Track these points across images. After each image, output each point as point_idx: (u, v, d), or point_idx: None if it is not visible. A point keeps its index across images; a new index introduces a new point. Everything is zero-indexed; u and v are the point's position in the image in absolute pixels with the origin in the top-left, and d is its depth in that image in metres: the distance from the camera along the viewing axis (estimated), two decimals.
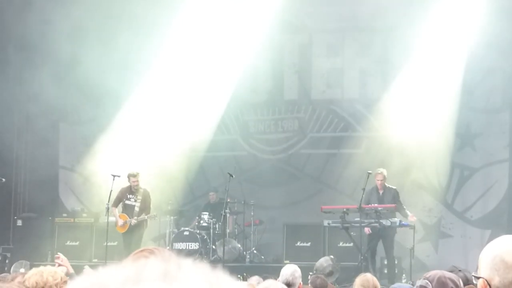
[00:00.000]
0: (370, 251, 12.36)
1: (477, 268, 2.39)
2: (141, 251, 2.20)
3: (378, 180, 12.50)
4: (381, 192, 12.56)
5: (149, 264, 0.87)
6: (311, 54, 16.16)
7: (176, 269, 0.87)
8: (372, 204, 12.30)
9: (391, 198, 12.47)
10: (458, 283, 3.47)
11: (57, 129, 16.33)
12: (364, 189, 12.35)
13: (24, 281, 3.34)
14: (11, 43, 15.16)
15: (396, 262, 13.36)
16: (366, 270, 11.02)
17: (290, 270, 6.96)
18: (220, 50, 15.54)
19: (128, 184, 12.94)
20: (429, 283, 3.34)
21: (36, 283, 3.21)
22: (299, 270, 7.07)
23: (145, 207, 12.85)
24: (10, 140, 16.04)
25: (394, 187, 12.70)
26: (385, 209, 12.20)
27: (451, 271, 4.10)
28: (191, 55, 15.55)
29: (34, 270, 3.36)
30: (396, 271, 13.01)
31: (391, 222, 11.98)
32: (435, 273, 3.50)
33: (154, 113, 15.49)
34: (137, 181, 12.84)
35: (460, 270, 4.40)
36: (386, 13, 15.14)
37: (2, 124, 15.59)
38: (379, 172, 12.57)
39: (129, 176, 12.88)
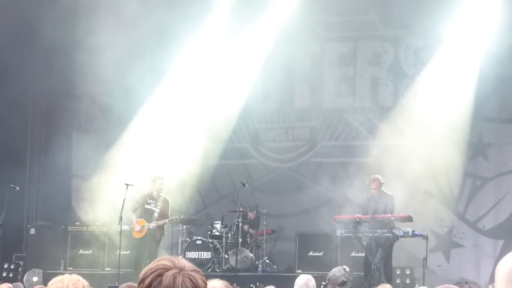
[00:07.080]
0: (367, 261, 12.18)
1: (488, 278, 2.41)
2: (160, 260, 2.25)
3: (373, 188, 12.40)
4: (377, 199, 12.40)
5: None
6: (323, 62, 16.17)
7: None
8: (369, 213, 12.15)
9: (385, 205, 12.30)
10: None
11: (70, 138, 16.39)
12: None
13: None
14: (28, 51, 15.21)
15: (408, 272, 13.31)
16: (379, 280, 11.00)
17: (304, 280, 6.97)
18: (231, 59, 15.58)
19: (149, 190, 12.98)
20: None
21: None
22: (313, 280, 7.07)
23: (164, 215, 12.91)
24: (23, 149, 16.13)
25: (391, 194, 12.51)
26: (398, 218, 12.13)
27: (458, 283, 4.10)
28: (203, 64, 15.61)
29: (57, 277, 3.41)
30: (402, 282, 12.98)
31: (404, 232, 11.92)
32: (443, 287, 3.50)
33: (166, 122, 15.54)
34: (163, 184, 12.90)
35: (466, 282, 4.38)
36: (397, 22, 15.17)
37: (16, 133, 15.67)
38: (372, 179, 12.44)
39: (155, 178, 12.92)
